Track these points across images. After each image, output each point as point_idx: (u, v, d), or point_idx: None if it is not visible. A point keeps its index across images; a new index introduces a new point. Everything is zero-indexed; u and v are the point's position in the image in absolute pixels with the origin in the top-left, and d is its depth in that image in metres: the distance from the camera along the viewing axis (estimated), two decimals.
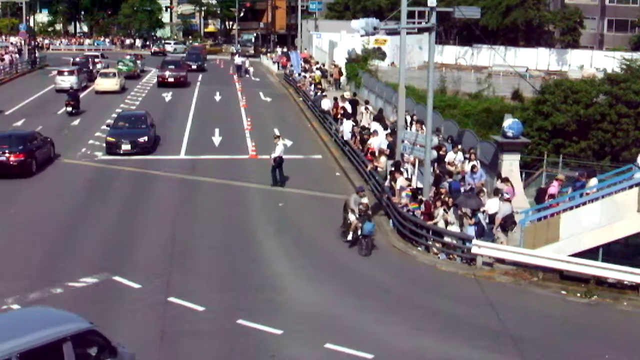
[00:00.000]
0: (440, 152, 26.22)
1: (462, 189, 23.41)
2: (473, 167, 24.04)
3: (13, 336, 10.89)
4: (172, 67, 55.83)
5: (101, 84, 50.84)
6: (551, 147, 35.34)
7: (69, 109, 41.65)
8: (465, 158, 25.57)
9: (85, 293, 17.81)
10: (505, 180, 22.94)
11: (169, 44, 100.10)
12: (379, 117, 35.46)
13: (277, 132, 31.77)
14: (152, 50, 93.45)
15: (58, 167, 30.61)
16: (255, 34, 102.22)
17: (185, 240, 21.93)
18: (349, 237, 21.55)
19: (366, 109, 38.29)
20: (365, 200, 22.04)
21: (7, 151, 28.20)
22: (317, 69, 55.09)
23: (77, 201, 25.77)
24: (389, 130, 30.66)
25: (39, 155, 29.69)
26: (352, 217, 21.60)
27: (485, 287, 18.85)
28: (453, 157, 25.84)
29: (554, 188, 23.07)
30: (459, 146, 26.66)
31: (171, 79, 53.90)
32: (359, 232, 21.17)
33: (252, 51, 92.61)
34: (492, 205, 21.71)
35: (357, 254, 21.15)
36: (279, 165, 28.05)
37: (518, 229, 21.19)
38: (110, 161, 31.46)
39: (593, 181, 22.77)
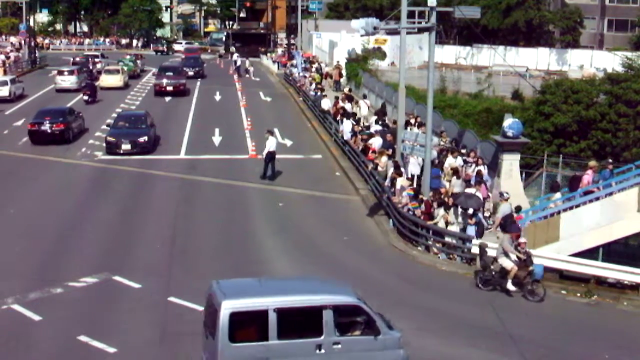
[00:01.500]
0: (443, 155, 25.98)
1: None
2: (479, 172, 23.87)
3: (276, 294, 12.66)
4: (170, 73, 50.87)
5: (106, 80, 52.33)
6: (553, 149, 35.33)
7: (85, 97, 45.30)
8: (465, 162, 25.36)
9: (85, 293, 17.82)
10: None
11: (180, 43, 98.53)
12: (381, 112, 35.76)
13: (271, 129, 31.61)
14: (156, 50, 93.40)
15: (58, 167, 30.63)
16: (225, 33, 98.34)
17: (185, 240, 21.94)
18: (510, 286, 18.33)
19: (356, 102, 38.46)
20: (523, 239, 18.91)
21: (48, 122, 33.94)
22: (315, 69, 55.07)
23: (77, 201, 25.78)
24: (379, 127, 30.92)
25: (75, 127, 35.52)
26: (507, 262, 18.42)
27: None
28: (452, 161, 25.40)
29: (588, 176, 23.08)
30: (463, 150, 26.42)
31: (169, 88, 48.91)
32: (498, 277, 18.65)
33: (222, 50, 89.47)
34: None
35: (357, 254, 21.15)
36: (271, 159, 28.39)
37: None
38: (110, 161, 31.45)
39: (557, 195, 22.95)
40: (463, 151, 26.74)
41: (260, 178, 28.56)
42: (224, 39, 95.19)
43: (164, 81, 49.28)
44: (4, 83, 46.91)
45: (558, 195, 23.11)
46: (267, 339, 12.20)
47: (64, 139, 34.10)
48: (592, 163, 24.48)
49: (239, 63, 64.51)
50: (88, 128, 37.13)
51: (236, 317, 12.13)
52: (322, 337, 12.34)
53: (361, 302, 12.73)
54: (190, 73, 57.02)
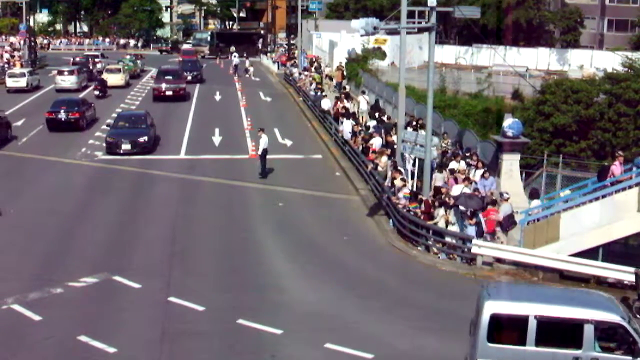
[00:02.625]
0: (444, 159, 25.64)
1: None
2: (485, 172, 23.76)
3: (539, 301, 12.86)
4: (170, 77, 48.44)
5: (107, 78, 52.68)
6: (553, 148, 35.31)
7: (96, 92, 47.80)
8: (469, 165, 25.19)
9: (85, 293, 17.82)
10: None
11: (189, 43, 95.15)
12: (375, 108, 35.99)
13: (262, 127, 31.67)
14: (160, 49, 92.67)
15: (58, 167, 30.62)
16: (210, 33, 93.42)
17: (185, 240, 21.94)
18: None
19: (348, 97, 38.91)
20: None
21: (64, 111, 37.17)
22: (314, 68, 55.03)
23: (77, 201, 25.78)
24: (375, 122, 31.08)
25: (88, 116, 38.84)
26: None
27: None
28: (456, 166, 24.92)
29: (616, 167, 22.94)
30: (468, 153, 26.08)
31: (169, 92, 46.71)
32: None
33: (207, 51, 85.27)
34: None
35: (357, 253, 21.16)
36: (264, 157, 28.85)
37: (518, 229, 21.20)
38: (110, 161, 31.46)
39: (535, 202, 22.86)
40: (467, 154, 26.39)
41: (259, 177, 28.69)
42: (208, 38, 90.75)
43: (163, 85, 47.12)
44: (22, 75, 51.97)
45: (536, 202, 22.89)
46: (525, 344, 12.49)
47: (78, 126, 37.11)
48: (620, 153, 24.31)
49: (235, 62, 64.57)
50: (99, 117, 40.15)
51: (496, 319, 12.63)
52: (581, 351, 12.44)
53: (625, 322, 12.64)
54: (189, 78, 53.98)
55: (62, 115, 37.01)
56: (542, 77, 52.62)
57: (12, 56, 66.81)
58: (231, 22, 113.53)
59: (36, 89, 51.48)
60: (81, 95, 47.03)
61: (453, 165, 24.99)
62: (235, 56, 66.82)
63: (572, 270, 19.43)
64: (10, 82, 51.09)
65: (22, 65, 59.98)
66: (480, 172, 23.81)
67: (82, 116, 37.58)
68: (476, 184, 23.07)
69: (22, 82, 50.91)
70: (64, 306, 17.01)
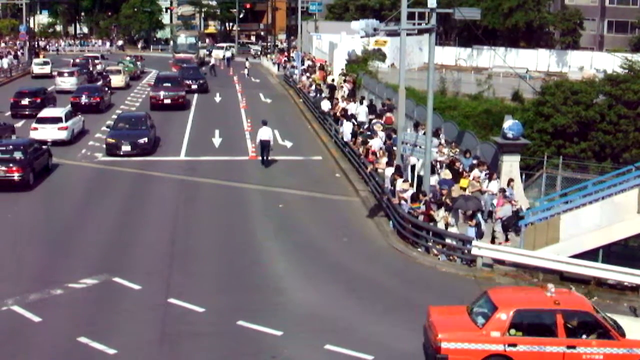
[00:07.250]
0: (454, 167, 25.16)
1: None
2: (510, 181, 23.42)
3: None
4: (169, 84, 46.04)
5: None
6: (553, 150, 35.31)
7: (106, 88, 48.81)
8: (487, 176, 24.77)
9: (85, 294, 17.82)
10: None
11: (221, 48, 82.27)
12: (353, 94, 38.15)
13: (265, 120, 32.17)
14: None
15: (57, 169, 30.59)
16: (194, 37, 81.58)
17: (185, 241, 21.94)
18: None
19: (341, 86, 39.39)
20: None
21: (86, 96, 43.13)
22: (308, 66, 55.10)
23: (77, 202, 25.78)
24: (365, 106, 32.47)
25: (106, 100, 44.90)
26: None
27: (485, 288, 18.80)
28: (477, 174, 24.30)
29: None
30: (475, 161, 25.25)
31: (167, 101, 44.32)
32: None
33: (194, 59, 70.97)
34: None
35: (357, 255, 21.17)
36: (264, 147, 30.36)
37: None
38: (110, 162, 31.45)
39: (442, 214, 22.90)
40: (475, 161, 25.86)
41: (261, 164, 30.37)
42: (199, 44, 78.43)
43: (161, 93, 44.81)
44: (47, 63, 61.51)
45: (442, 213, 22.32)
46: None
47: (98, 109, 42.45)
48: None
49: (212, 62, 66.29)
50: (114, 103, 45.47)
51: None
52: None
53: None
54: (194, 86, 51.41)
55: (85, 99, 42.38)
56: (542, 79, 52.62)
57: (22, 54, 72.47)
58: (231, 24, 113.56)
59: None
60: None
61: (474, 173, 24.17)
62: (223, 55, 67.66)
63: (573, 272, 19.44)
64: (36, 69, 60.12)
65: (44, 56, 69.85)
66: (494, 182, 23.56)
67: (101, 100, 43.24)
68: (494, 194, 22.97)
69: (47, 69, 59.59)
70: (63, 307, 17.01)
